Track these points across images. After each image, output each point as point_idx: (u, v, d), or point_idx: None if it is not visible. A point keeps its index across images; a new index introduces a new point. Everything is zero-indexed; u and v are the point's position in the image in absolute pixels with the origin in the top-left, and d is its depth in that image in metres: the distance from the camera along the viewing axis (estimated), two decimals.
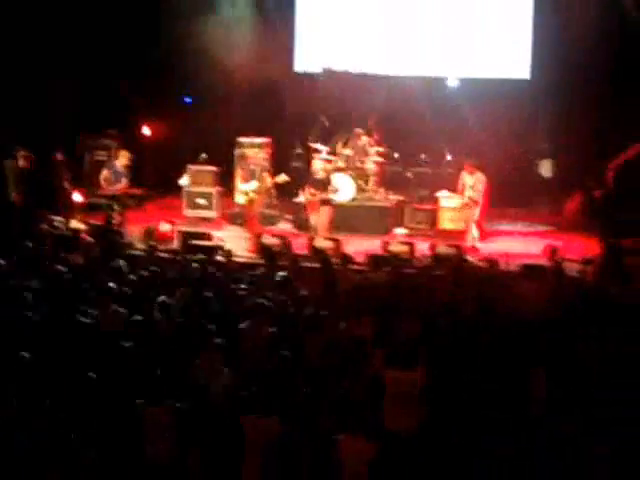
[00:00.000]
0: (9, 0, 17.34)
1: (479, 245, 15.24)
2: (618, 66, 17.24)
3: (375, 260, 12.60)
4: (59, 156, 16.13)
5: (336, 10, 19.34)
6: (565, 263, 11.94)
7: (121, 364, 8.37)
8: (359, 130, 17.17)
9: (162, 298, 9.86)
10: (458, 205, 15.62)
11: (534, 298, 10.35)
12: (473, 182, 15.38)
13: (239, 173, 15.81)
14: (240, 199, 15.66)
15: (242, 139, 17.45)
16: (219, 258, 12.53)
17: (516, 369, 8.37)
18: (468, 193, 15.39)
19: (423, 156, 18.03)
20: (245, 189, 15.44)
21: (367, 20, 19.22)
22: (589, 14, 17.21)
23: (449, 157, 17.78)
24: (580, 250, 13.91)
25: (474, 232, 15.40)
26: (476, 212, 15.44)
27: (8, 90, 17.18)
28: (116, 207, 15.50)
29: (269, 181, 15.79)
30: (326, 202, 15.24)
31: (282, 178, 15.70)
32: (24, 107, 17.23)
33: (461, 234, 15.44)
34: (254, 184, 15.42)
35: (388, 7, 19.13)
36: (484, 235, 15.77)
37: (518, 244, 15.36)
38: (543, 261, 12.07)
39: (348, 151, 17.09)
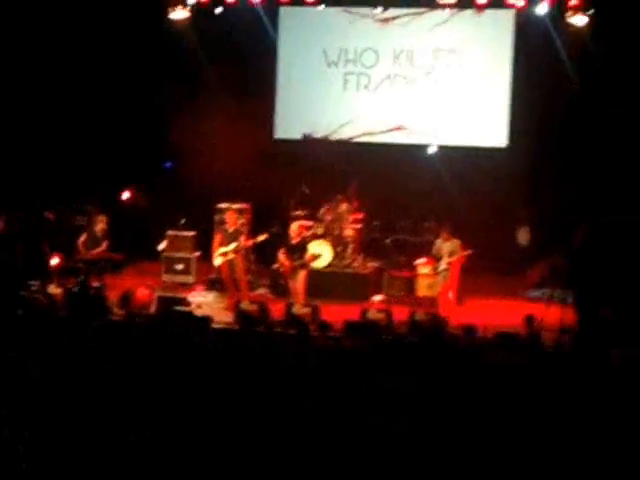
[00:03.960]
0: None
1: (456, 311, 15.21)
2: (590, 136, 17.53)
3: (352, 327, 12.54)
4: (50, 215, 16.27)
5: (316, 78, 19.53)
6: (543, 332, 11.93)
7: None
8: (339, 197, 17.26)
9: None
10: (436, 272, 15.62)
11: (507, 367, 10.29)
12: (450, 249, 15.41)
13: (217, 237, 15.83)
14: (218, 260, 15.68)
15: (221, 205, 17.51)
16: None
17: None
18: (445, 259, 15.41)
19: (402, 223, 18.13)
20: (224, 250, 15.49)
21: (347, 88, 19.45)
22: (565, 83, 17.51)
23: (427, 224, 17.86)
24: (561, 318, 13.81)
25: (450, 298, 15.41)
26: (452, 278, 15.47)
27: None
28: (94, 272, 15.50)
29: (244, 244, 15.81)
30: (302, 267, 15.26)
31: (263, 236, 15.75)
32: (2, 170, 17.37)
33: (438, 301, 15.46)
34: (233, 245, 15.48)
35: (369, 76, 19.36)
36: (460, 302, 15.78)
37: (496, 311, 15.34)
38: (520, 330, 12.04)
39: (328, 218, 17.18)
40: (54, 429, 8.12)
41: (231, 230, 15.67)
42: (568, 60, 17.72)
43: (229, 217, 15.98)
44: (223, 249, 15.48)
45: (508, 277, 17.39)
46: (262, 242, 15.84)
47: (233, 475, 7.53)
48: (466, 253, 15.30)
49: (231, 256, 15.46)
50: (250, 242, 15.88)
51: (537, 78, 18.17)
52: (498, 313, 15.04)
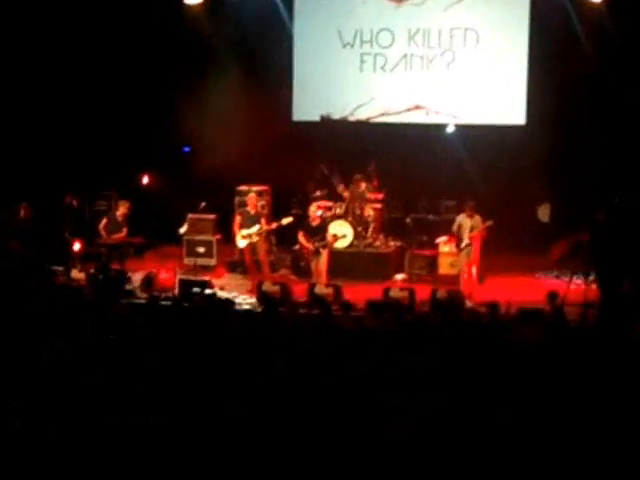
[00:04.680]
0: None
1: (478, 288, 15.22)
2: (611, 111, 17.49)
3: (375, 307, 12.58)
4: (72, 201, 16.41)
5: (333, 60, 19.48)
6: (566, 307, 11.93)
7: None
8: (358, 177, 17.26)
9: None
10: (459, 248, 15.58)
11: (531, 343, 10.29)
12: (472, 224, 15.40)
13: (237, 218, 15.86)
14: (242, 243, 15.68)
15: (242, 187, 17.57)
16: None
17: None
18: (466, 234, 15.39)
19: (423, 202, 18.14)
20: (247, 232, 15.50)
21: (363, 69, 19.42)
22: (583, 61, 17.45)
23: (448, 203, 17.86)
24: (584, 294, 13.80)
25: (473, 273, 15.41)
26: (474, 253, 15.46)
27: (10, 143, 17.48)
28: (115, 256, 15.62)
29: (267, 227, 15.84)
30: (323, 248, 15.30)
31: (287, 220, 15.76)
32: (24, 158, 17.49)
33: (460, 278, 15.47)
34: (256, 227, 15.50)
35: (386, 56, 19.31)
36: (481, 280, 15.78)
37: (519, 288, 15.34)
38: (543, 306, 12.04)
39: (347, 198, 17.21)
40: (72, 412, 8.21)
41: (252, 212, 15.71)
42: (585, 37, 17.63)
43: (250, 200, 16.01)
44: (245, 231, 15.51)
45: (529, 254, 17.34)
46: (286, 225, 15.86)
47: (253, 453, 7.57)
48: (487, 224, 15.27)
49: (255, 239, 15.49)
50: (274, 225, 15.88)
51: (554, 55, 18.09)
52: (520, 290, 15.01)
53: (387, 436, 7.62)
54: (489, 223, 15.27)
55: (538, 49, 18.42)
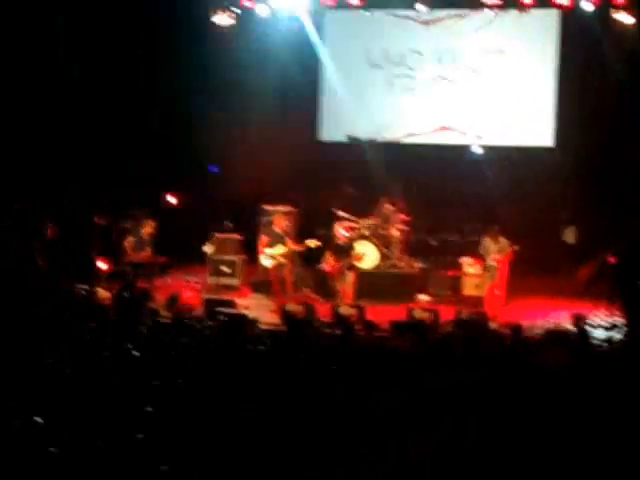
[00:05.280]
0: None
1: (503, 309, 15.14)
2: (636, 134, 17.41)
3: (399, 327, 12.51)
4: (99, 219, 16.47)
5: (360, 81, 19.54)
6: (591, 329, 11.82)
7: None
8: (384, 198, 17.24)
9: None
10: (482, 271, 15.55)
11: (556, 365, 10.19)
12: (498, 247, 15.34)
13: (263, 238, 15.85)
14: (267, 262, 15.64)
15: (267, 207, 17.58)
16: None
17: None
18: (492, 256, 15.33)
19: (449, 224, 18.09)
20: (272, 253, 15.48)
21: (391, 90, 19.43)
22: (612, 82, 17.36)
23: (473, 225, 17.80)
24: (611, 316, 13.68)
25: (497, 295, 15.34)
26: (500, 277, 15.39)
27: (38, 162, 17.61)
28: (141, 275, 15.64)
29: (293, 247, 15.83)
30: (349, 269, 15.25)
31: (314, 242, 15.74)
32: (52, 177, 17.59)
33: (485, 300, 15.40)
34: (281, 248, 15.48)
35: (414, 77, 19.33)
36: (507, 301, 15.69)
37: (544, 310, 15.23)
38: (568, 327, 11.94)
39: (372, 219, 17.17)
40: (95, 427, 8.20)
41: (278, 232, 15.70)
42: (615, 58, 17.54)
43: (277, 220, 16.01)
44: (270, 251, 15.50)
45: (555, 276, 17.23)
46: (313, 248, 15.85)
47: (274, 473, 7.53)
48: (513, 248, 15.23)
49: (281, 260, 15.47)
50: (300, 247, 15.86)
51: (583, 77, 18.02)
52: (546, 312, 14.92)
53: (405, 461, 7.57)
54: (515, 247, 15.23)
55: (567, 71, 18.37)
